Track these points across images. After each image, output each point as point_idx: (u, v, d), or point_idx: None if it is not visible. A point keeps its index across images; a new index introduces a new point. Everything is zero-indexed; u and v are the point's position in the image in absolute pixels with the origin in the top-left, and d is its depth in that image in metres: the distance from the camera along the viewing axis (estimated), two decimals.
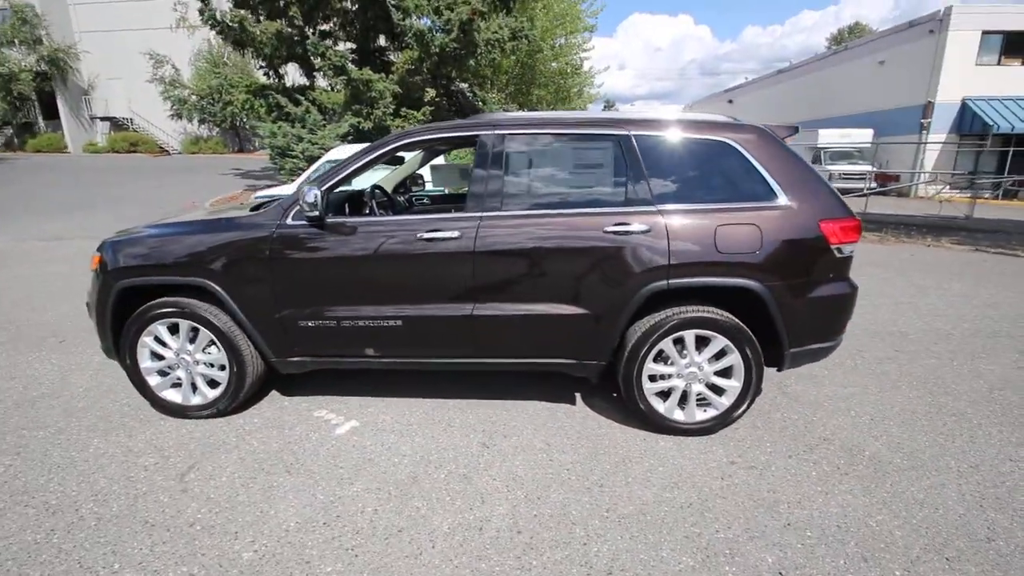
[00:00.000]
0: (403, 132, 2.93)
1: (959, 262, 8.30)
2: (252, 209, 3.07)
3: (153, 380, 3.09)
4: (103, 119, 30.00)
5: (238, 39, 13.91)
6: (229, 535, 2.15)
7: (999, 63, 20.18)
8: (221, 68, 21.88)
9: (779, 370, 2.91)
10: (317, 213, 2.65)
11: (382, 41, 15.38)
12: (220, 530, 2.18)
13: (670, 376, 2.85)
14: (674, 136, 2.75)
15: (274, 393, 3.43)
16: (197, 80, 23.14)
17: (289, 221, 2.81)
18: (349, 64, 12.91)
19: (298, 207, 2.77)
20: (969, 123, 20.24)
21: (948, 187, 17.52)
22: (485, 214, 2.75)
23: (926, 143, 19.86)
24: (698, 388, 2.85)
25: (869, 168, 18.62)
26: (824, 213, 2.70)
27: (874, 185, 17.46)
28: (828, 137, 20.94)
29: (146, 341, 3.00)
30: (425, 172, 4.95)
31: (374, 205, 3.24)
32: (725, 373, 2.84)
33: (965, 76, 20.05)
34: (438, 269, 2.75)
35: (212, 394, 3.08)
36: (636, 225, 2.66)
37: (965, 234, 11.19)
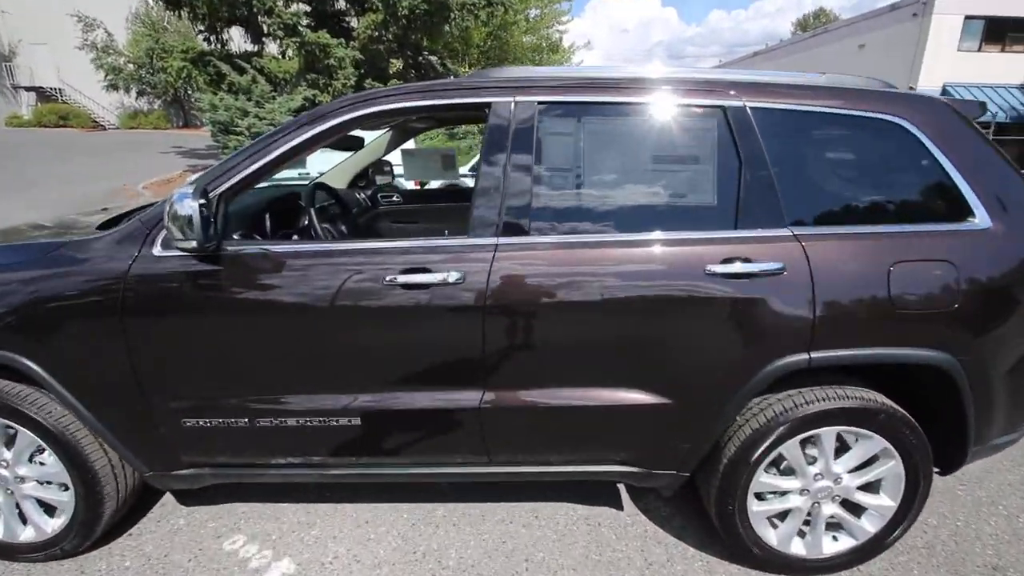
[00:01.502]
0: (359, 97, 1.74)
1: None
2: (101, 226, 1.84)
3: None
4: (28, 89, 26.93)
5: None
6: None
7: (980, 49, 19.88)
8: (160, 33, 19.52)
9: (944, 474, 1.93)
10: (194, 243, 1.46)
11: (342, 4, 13.67)
12: None
13: (787, 492, 1.82)
14: (815, 110, 1.67)
15: (167, 500, 2.24)
16: (133, 46, 20.74)
17: (156, 251, 1.61)
18: (302, 25, 11.27)
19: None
20: None
21: None
22: (503, 240, 1.62)
23: None
24: (830, 509, 1.84)
25: None
26: None
27: None
28: None
29: None
30: (394, 158, 3.73)
31: (314, 217, 2.04)
32: (871, 485, 1.84)
33: (947, 62, 19.69)
34: (423, 335, 1.63)
35: (52, 525, 1.89)
36: (760, 262, 1.58)
37: None
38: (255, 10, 11.06)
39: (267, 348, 1.64)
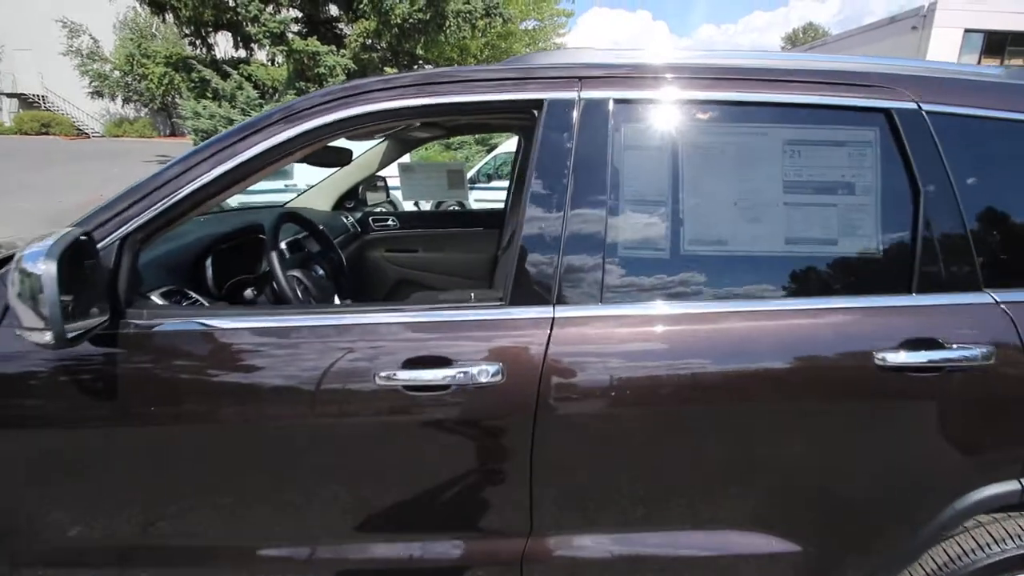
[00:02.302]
0: (348, 90, 1.16)
1: None
2: None
3: None
4: (9, 96, 26.29)
5: (155, 0, 11.50)
6: None
7: (979, 62, 19.82)
8: (145, 38, 18.94)
9: None
10: (48, 336, 0.86)
11: (334, 11, 13.16)
12: None
13: None
14: (1017, 118, 1.13)
15: None
16: (118, 51, 20.18)
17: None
18: (290, 32, 10.73)
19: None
20: None
21: None
22: (563, 312, 1.06)
23: None
24: None
25: None
26: None
27: None
28: None
29: None
30: (389, 173, 3.17)
31: (276, 265, 1.43)
32: None
33: None
34: (437, 460, 1.06)
35: None
36: (955, 346, 1.03)
37: None
38: (240, 17, 10.51)
39: (188, 476, 1.06)
